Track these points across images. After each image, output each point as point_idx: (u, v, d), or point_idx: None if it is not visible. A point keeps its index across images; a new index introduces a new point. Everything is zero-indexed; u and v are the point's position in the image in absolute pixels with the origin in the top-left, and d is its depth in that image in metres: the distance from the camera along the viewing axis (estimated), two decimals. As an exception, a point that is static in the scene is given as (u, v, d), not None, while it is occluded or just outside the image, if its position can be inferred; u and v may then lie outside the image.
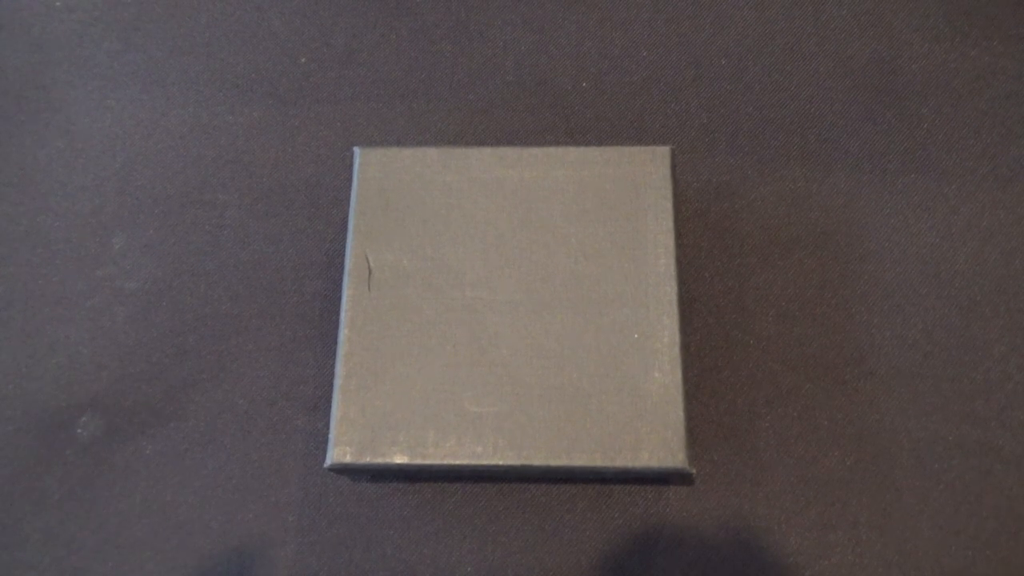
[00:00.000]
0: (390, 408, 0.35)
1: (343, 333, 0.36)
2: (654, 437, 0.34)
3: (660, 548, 0.39)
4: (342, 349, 0.36)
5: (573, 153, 0.39)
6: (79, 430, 0.42)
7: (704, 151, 0.46)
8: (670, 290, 0.36)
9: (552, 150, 0.39)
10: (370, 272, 0.37)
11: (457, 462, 0.34)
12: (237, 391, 0.42)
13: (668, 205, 0.38)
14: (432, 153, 0.39)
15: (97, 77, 0.48)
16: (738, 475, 0.40)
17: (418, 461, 0.35)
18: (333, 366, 0.37)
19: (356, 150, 0.39)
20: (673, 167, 0.38)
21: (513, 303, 0.36)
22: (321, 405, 0.41)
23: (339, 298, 0.40)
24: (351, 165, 0.40)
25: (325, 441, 0.36)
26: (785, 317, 0.42)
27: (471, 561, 0.39)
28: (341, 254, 0.43)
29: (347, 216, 0.39)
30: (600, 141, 0.46)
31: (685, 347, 0.36)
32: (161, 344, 0.43)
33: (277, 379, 0.42)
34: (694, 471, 0.35)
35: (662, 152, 0.38)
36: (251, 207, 0.45)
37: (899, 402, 0.41)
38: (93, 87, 0.48)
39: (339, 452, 0.35)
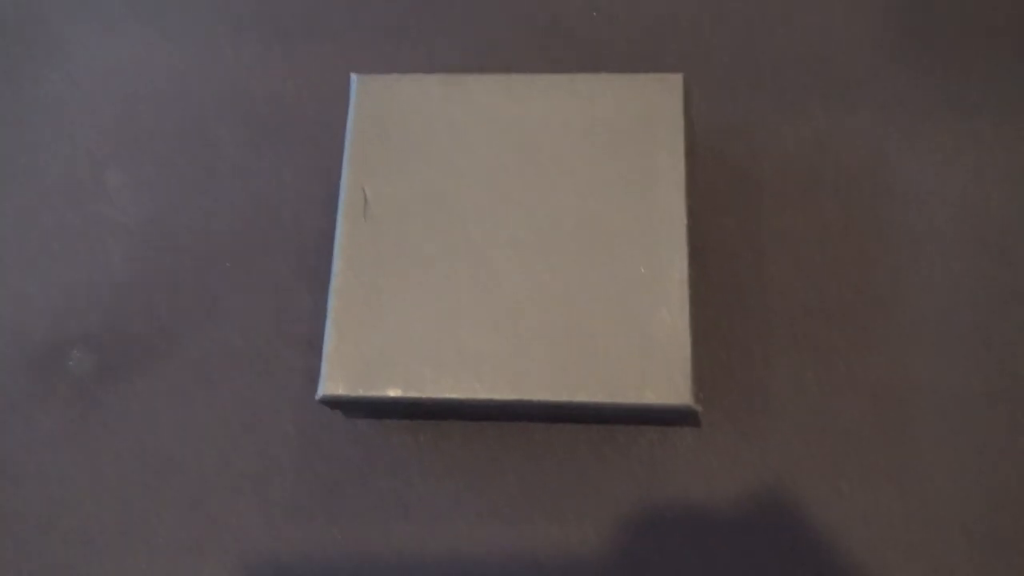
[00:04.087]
0: (385, 342, 0.34)
1: (337, 264, 0.35)
2: (659, 374, 0.33)
3: (664, 492, 0.37)
4: (335, 280, 0.35)
5: (580, 81, 0.37)
6: (71, 363, 0.41)
7: (723, 91, 0.43)
8: (679, 226, 0.34)
9: (558, 78, 0.37)
10: (366, 202, 0.36)
11: (454, 396, 0.33)
12: (231, 328, 0.41)
13: (680, 138, 0.36)
14: (433, 81, 0.37)
15: (96, 13, 0.47)
16: (749, 422, 0.38)
17: (413, 395, 0.33)
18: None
19: (353, 77, 0.38)
20: (686, 97, 0.36)
21: (516, 238, 0.35)
22: (316, 343, 0.40)
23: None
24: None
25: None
26: (804, 263, 0.40)
27: (469, 501, 0.38)
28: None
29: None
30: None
31: (694, 285, 0.34)
32: (155, 280, 0.42)
33: (272, 316, 0.41)
34: (700, 409, 0.33)
35: (674, 80, 0.36)
36: (250, 142, 0.44)
37: (922, 351, 0.39)
38: (92, 23, 0.47)
39: (331, 384, 0.33)
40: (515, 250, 0.35)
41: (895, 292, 0.40)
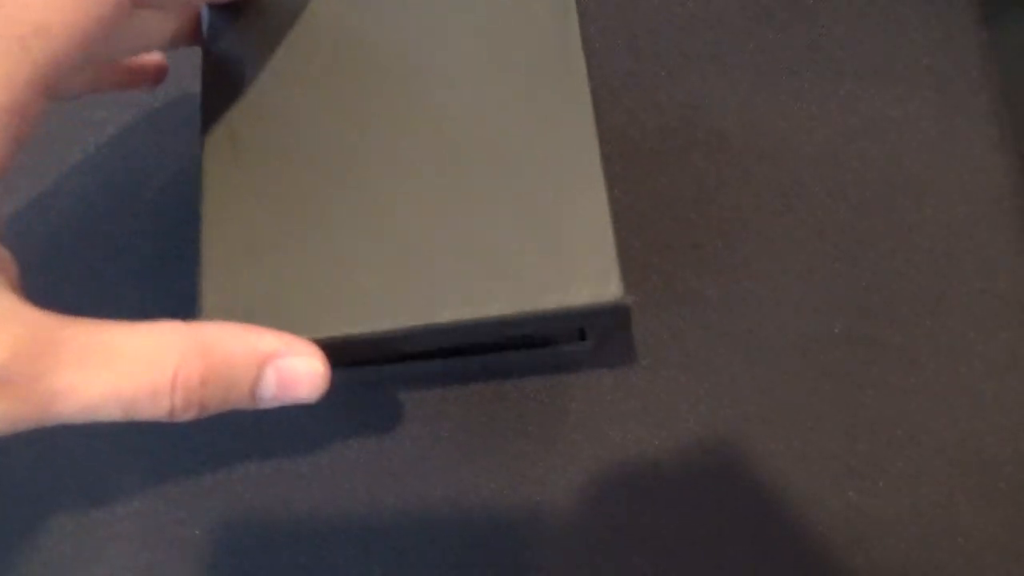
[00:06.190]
0: (266, 290, 0.30)
1: (205, 215, 0.31)
2: (583, 272, 0.28)
3: (554, 445, 0.39)
4: (205, 229, 0.31)
5: None
6: None
7: (601, 54, 0.44)
8: (587, 117, 0.30)
9: None
10: (233, 144, 0.31)
11: (355, 332, 0.29)
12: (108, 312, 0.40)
13: (576, 34, 0.32)
14: (288, 3, 0.33)
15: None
16: (631, 375, 0.40)
17: (311, 336, 0.29)
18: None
19: (204, 11, 0.33)
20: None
21: (404, 157, 0.31)
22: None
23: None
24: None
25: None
26: (680, 220, 0.42)
27: (399, 459, 0.39)
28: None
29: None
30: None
31: (607, 164, 0.31)
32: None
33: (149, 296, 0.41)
34: (631, 304, 0.30)
35: None
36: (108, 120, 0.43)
37: (790, 299, 0.41)
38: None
39: None
40: (406, 169, 0.31)
41: (764, 245, 0.42)
